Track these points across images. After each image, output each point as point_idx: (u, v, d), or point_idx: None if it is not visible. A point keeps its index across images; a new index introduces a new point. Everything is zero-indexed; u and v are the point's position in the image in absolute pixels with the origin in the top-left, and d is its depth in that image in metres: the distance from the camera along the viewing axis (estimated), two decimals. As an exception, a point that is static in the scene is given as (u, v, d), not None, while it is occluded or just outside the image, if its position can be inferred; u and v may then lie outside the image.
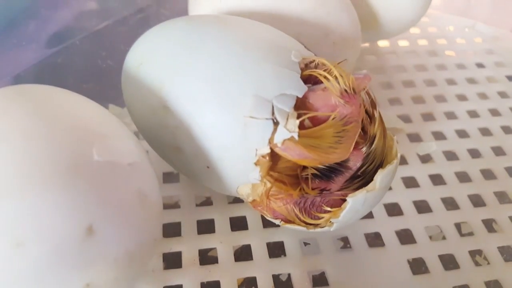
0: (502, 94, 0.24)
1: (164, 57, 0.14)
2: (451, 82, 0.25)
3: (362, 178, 0.13)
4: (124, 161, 0.12)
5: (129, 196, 0.11)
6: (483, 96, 0.24)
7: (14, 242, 0.10)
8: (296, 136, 0.12)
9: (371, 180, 0.13)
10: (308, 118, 0.13)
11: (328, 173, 0.13)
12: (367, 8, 0.22)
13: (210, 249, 0.16)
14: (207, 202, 0.18)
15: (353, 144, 0.13)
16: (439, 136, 0.21)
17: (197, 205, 0.18)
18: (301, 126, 0.12)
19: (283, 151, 0.12)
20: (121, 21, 0.25)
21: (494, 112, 0.23)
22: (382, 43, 0.27)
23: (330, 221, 0.13)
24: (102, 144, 0.11)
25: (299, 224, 0.14)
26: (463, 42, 0.28)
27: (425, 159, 0.20)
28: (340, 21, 0.19)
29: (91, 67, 0.23)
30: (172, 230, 0.17)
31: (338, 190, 0.13)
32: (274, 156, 0.13)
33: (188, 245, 0.16)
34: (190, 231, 0.17)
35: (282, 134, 0.12)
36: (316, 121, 0.13)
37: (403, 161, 0.20)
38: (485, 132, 0.22)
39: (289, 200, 0.13)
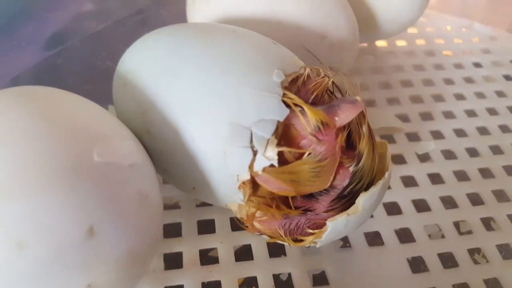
0: (499, 94, 0.24)
1: (146, 80, 0.14)
2: (448, 81, 0.25)
3: (350, 198, 0.13)
4: (124, 162, 0.12)
5: (130, 197, 0.11)
6: (480, 95, 0.24)
7: (16, 243, 0.10)
8: (275, 163, 0.12)
9: None
10: (287, 145, 0.12)
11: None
12: (365, 9, 0.22)
13: (211, 249, 0.16)
14: (207, 203, 0.18)
15: (332, 175, 0.12)
16: (437, 135, 0.21)
17: (197, 206, 0.18)
18: (280, 154, 0.12)
19: (262, 182, 0.12)
20: (120, 22, 0.25)
21: (492, 111, 0.23)
22: (380, 43, 0.27)
23: (314, 241, 0.13)
24: (103, 145, 0.11)
25: (283, 241, 0.13)
26: (460, 42, 0.28)
27: (424, 158, 0.20)
28: (337, 23, 0.19)
29: (90, 68, 0.23)
30: (172, 231, 0.17)
31: (325, 211, 0.13)
32: (255, 181, 0.12)
33: (189, 246, 0.16)
34: (191, 232, 0.17)
35: (261, 162, 0.12)
36: (296, 147, 0.12)
37: (402, 160, 0.20)
38: (483, 131, 0.22)
39: (273, 223, 0.13)
